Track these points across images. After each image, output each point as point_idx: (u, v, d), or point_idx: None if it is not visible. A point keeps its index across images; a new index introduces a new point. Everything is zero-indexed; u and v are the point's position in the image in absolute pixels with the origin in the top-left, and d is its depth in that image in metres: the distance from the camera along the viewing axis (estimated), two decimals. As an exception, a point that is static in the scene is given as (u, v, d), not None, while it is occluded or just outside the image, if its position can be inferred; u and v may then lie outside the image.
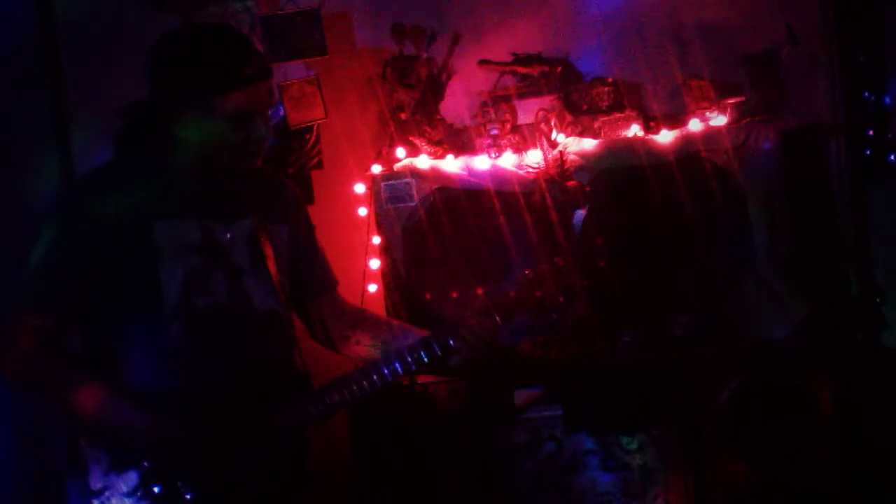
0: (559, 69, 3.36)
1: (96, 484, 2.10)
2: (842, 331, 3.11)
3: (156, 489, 2.09)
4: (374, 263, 3.34)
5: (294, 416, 2.18)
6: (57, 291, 2.11)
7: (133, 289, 2.11)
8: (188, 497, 2.10)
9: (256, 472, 2.15)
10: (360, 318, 2.50)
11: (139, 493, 2.09)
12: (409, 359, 2.28)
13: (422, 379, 2.99)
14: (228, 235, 2.21)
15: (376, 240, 3.33)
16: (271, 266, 2.25)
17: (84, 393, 2.09)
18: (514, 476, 3.00)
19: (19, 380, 2.17)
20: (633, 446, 2.98)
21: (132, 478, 2.09)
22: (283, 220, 2.35)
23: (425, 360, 2.29)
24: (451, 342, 2.30)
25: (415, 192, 3.29)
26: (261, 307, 2.23)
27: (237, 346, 2.18)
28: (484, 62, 3.40)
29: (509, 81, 3.40)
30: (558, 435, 3.00)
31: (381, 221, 3.31)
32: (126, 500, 2.09)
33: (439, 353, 2.30)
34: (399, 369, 2.27)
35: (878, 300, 3.19)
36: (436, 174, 3.29)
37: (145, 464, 2.09)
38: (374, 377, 2.26)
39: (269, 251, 2.25)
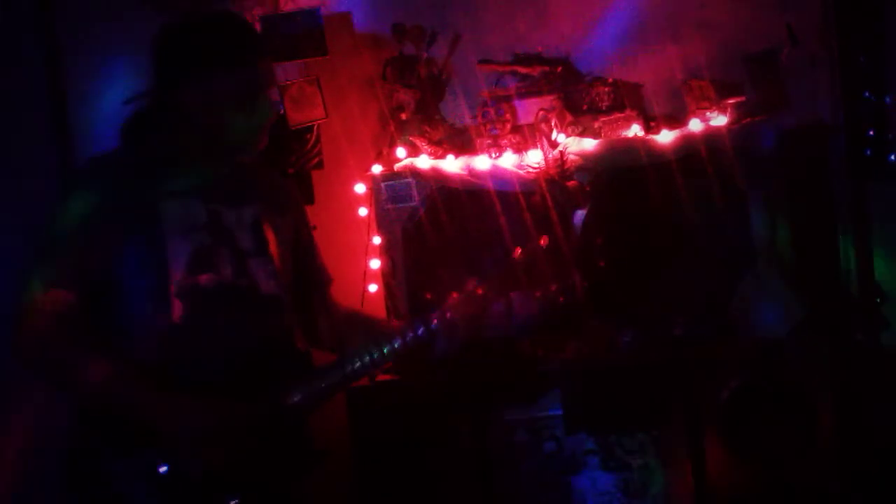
0: (559, 69, 3.36)
1: (102, 468, 2.11)
2: (842, 331, 3.11)
3: (161, 470, 2.09)
4: (374, 263, 3.35)
5: (299, 394, 2.19)
6: (73, 267, 2.12)
7: (141, 265, 2.13)
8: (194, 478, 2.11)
9: (263, 450, 2.16)
10: (351, 321, 2.50)
11: (145, 476, 2.09)
12: (400, 341, 2.28)
13: (421, 378, 2.99)
14: (234, 219, 2.23)
15: (376, 240, 3.33)
16: (274, 251, 2.27)
17: (102, 371, 2.10)
18: (514, 476, 3.01)
19: (35, 361, 2.17)
20: (633, 446, 2.98)
21: (138, 461, 2.09)
22: (285, 213, 2.38)
23: (411, 341, 2.29)
24: (435, 322, 2.29)
25: (415, 192, 3.29)
26: (265, 290, 2.24)
27: (240, 325, 2.19)
28: (484, 62, 3.40)
29: (509, 81, 3.40)
30: (558, 435, 3.00)
31: (381, 221, 3.31)
32: (132, 482, 2.10)
33: (422, 333, 2.29)
34: (397, 347, 2.27)
35: (878, 300, 3.19)
36: (436, 174, 3.29)
37: (151, 447, 2.10)
38: (375, 355, 2.26)
39: (270, 237, 2.27)
